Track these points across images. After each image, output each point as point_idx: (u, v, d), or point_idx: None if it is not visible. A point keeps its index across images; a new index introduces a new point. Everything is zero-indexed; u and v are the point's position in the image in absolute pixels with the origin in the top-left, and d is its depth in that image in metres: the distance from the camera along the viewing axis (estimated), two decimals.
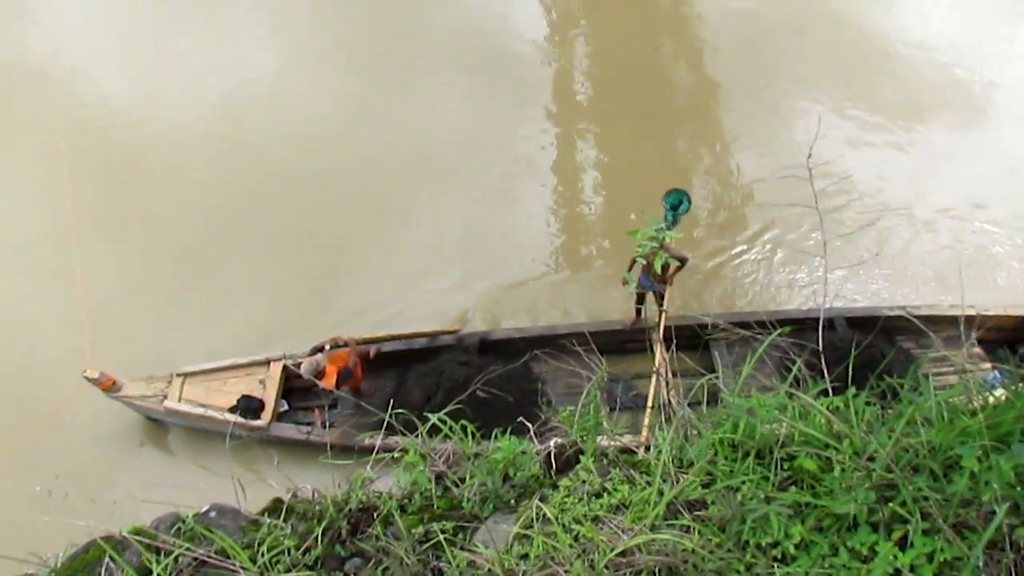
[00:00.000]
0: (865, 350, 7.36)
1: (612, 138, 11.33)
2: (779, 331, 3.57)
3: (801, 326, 7.00)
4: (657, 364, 7.49)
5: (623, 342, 8.42)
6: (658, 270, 5.08)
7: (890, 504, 2.66)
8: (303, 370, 7.27)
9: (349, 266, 9.66)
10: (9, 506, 4.97)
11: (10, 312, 9.09)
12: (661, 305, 8.06)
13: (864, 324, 8.11)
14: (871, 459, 2.71)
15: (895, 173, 10.42)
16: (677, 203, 7.45)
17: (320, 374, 7.37)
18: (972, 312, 8.17)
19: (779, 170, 10.11)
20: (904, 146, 10.83)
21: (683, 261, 7.67)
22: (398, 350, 8.39)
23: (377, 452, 3.48)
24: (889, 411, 3.16)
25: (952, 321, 8.06)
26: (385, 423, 3.58)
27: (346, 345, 7.65)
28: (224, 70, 12.02)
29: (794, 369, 3.23)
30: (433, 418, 3.28)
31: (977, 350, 8.21)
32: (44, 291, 9.21)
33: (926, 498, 2.60)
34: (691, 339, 7.91)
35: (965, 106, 11.38)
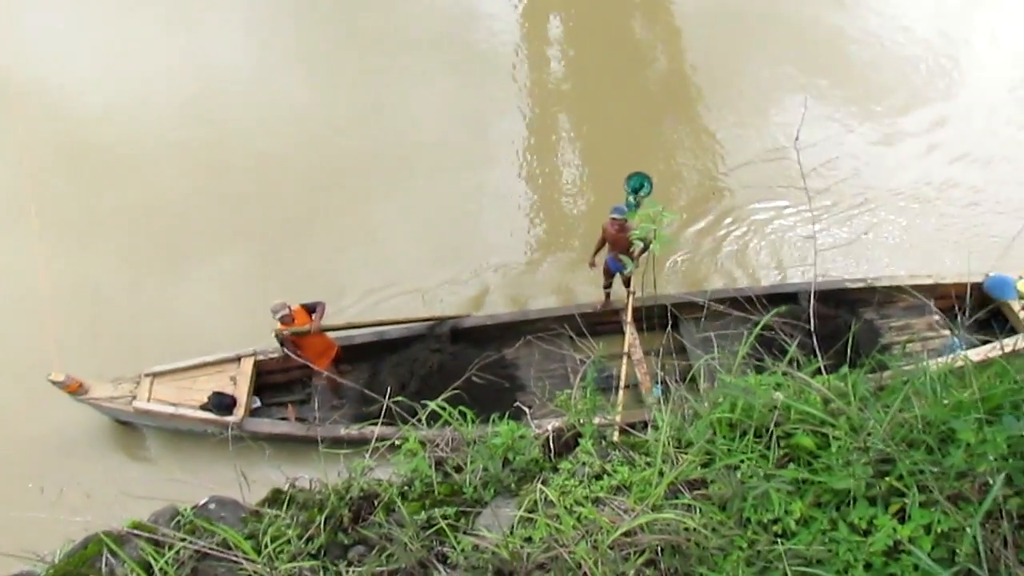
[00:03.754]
0: (830, 321, 7.57)
1: (588, 123, 11.37)
2: (774, 311, 3.60)
3: (768, 302, 7.13)
4: (627, 345, 7.62)
5: (594, 324, 8.49)
6: (656, 252, 5.13)
7: (887, 478, 2.71)
8: (272, 308, 7.20)
9: (320, 261, 9.55)
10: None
11: None
12: (628, 287, 8.15)
13: (828, 297, 8.28)
14: (868, 435, 2.75)
15: (864, 156, 10.63)
16: (639, 186, 7.54)
17: (286, 316, 7.25)
18: (929, 281, 8.41)
19: (760, 154, 10.26)
20: (875, 129, 11.01)
21: (645, 243, 7.73)
22: (370, 341, 8.33)
23: (365, 442, 3.45)
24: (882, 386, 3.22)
25: (912, 291, 8.27)
26: (382, 411, 3.57)
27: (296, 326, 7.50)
28: (198, 64, 11.84)
29: (791, 350, 3.26)
30: (432, 404, 3.27)
31: (937, 318, 8.46)
32: (6, 290, 9.00)
33: (922, 471, 2.65)
34: (661, 319, 8.03)
35: (937, 91, 11.56)
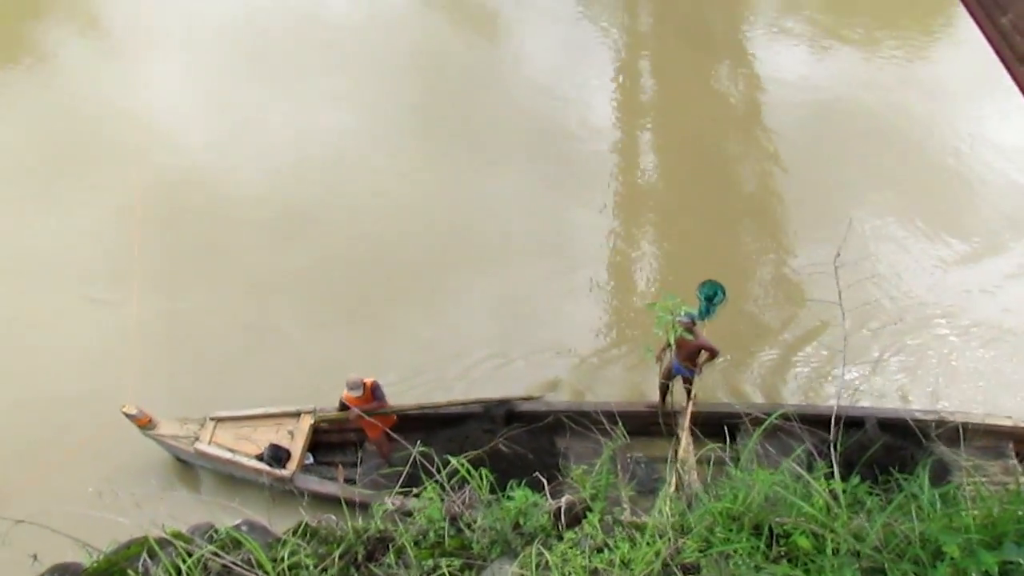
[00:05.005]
0: (895, 453, 7.34)
1: (667, 226, 11.66)
2: (771, 416, 3.71)
3: (830, 424, 7.07)
4: (682, 451, 7.57)
5: (648, 424, 8.49)
6: (670, 341, 5.28)
7: None
8: (348, 379, 7.57)
9: (392, 336, 9.96)
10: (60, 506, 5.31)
11: (66, 339, 9.65)
12: (690, 392, 8.15)
13: (895, 427, 8.05)
14: (860, 539, 2.84)
15: (950, 283, 10.51)
16: (712, 294, 7.60)
17: (363, 394, 7.61)
18: (1008, 423, 8.05)
19: (821, 266, 10.22)
20: (960, 256, 10.91)
21: (712, 353, 7.80)
22: (425, 415, 8.50)
23: (405, 511, 3.70)
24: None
25: (986, 431, 7.94)
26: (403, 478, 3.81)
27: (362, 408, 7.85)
28: (299, 137, 12.75)
29: (797, 451, 3.38)
30: (454, 461, 3.51)
31: (1014, 462, 8.06)
32: (100, 322, 9.80)
33: None
34: (716, 427, 7.97)
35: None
